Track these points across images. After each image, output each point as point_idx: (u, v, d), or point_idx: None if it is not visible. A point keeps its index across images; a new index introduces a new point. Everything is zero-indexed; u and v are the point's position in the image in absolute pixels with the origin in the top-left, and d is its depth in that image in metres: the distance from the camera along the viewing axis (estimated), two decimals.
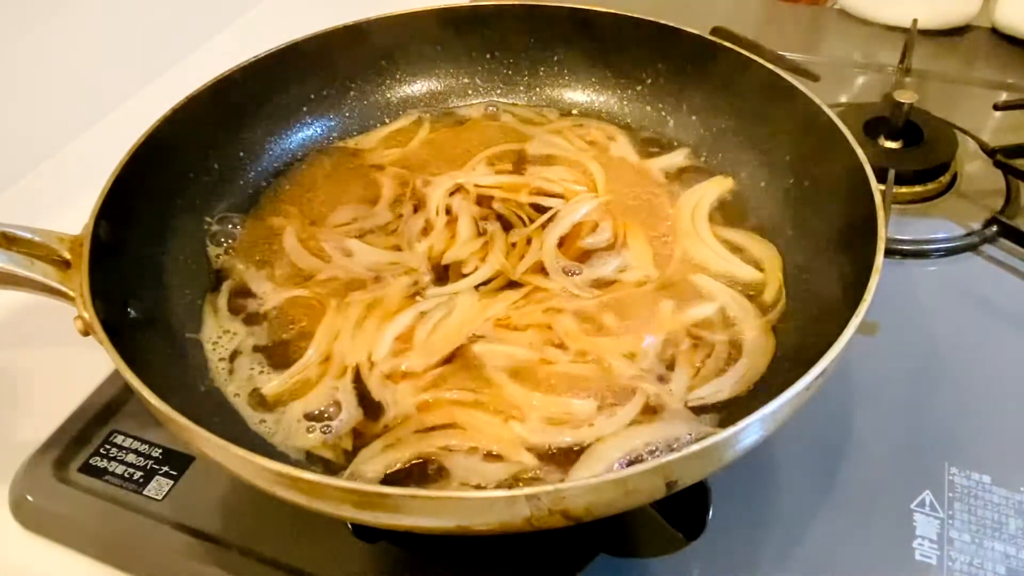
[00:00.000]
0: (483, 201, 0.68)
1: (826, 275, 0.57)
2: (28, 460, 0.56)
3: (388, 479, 0.49)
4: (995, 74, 0.94)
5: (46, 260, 0.51)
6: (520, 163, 0.72)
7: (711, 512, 0.51)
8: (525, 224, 0.66)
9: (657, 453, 0.49)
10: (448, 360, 0.55)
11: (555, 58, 0.78)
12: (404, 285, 0.61)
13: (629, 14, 0.74)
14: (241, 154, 0.70)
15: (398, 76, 0.78)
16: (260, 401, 0.54)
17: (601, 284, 0.61)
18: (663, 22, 0.72)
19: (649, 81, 0.76)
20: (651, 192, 0.69)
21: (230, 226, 0.66)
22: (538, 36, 0.78)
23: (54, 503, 0.54)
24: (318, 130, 0.75)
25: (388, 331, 0.57)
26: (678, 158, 0.72)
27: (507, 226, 0.66)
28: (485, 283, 0.61)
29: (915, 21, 0.97)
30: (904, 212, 0.74)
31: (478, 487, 0.48)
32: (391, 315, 0.58)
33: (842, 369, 0.60)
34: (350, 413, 0.52)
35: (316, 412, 0.53)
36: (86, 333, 0.48)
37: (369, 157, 0.74)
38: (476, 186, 0.69)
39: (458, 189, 0.69)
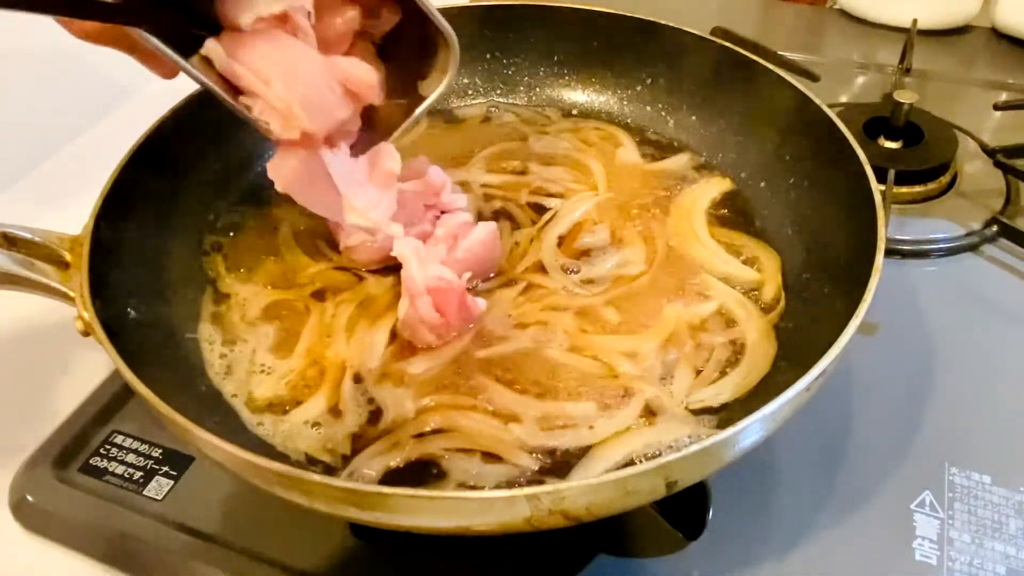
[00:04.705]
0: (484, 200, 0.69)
1: (826, 275, 0.57)
2: (28, 460, 0.56)
3: (387, 480, 0.49)
4: (995, 74, 0.94)
5: (46, 260, 0.51)
6: (521, 163, 0.72)
7: (711, 512, 0.51)
8: (528, 224, 0.66)
9: (657, 454, 0.49)
10: (447, 361, 0.55)
11: (555, 58, 0.78)
12: (394, 284, 0.60)
13: (629, 14, 0.74)
14: (242, 154, 0.69)
15: None
16: (257, 402, 0.53)
17: (599, 282, 0.61)
18: (663, 22, 0.73)
19: (649, 81, 0.76)
20: (650, 192, 0.69)
21: (230, 226, 0.66)
22: (538, 36, 0.78)
23: (54, 503, 0.54)
24: None
25: (382, 331, 0.57)
26: (677, 158, 0.72)
27: (514, 225, 0.66)
28: (484, 282, 0.61)
29: (915, 21, 0.97)
30: (904, 212, 0.74)
31: (477, 488, 0.48)
32: (383, 314, 0.58)
33: (842, 369, 0.60)
34: (349, 416, 0.52)
35: (315, 414, 0.52)
36: (86, 333, 0.48)
37: None
38: (481, 186, 0.69)
39: (462, 187, 0.69)
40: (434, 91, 0.55)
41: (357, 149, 0.55)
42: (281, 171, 0.51)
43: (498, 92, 0.80)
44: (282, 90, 0.48)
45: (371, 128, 0.56)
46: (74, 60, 0.85)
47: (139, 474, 0.56)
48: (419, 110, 0.56)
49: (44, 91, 0.84)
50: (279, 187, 0.51)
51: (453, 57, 0.55)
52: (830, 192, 0.60)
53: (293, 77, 0.48)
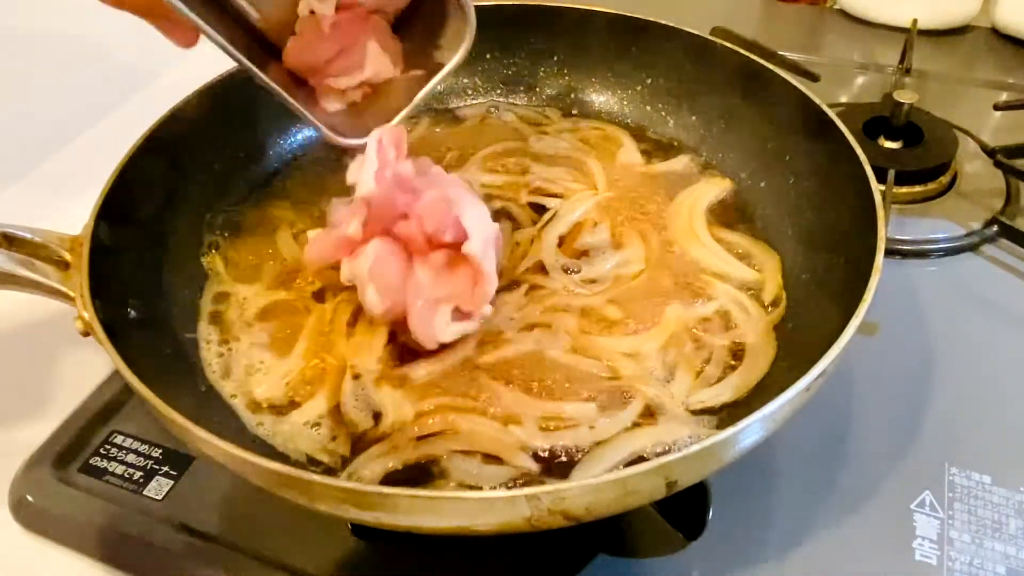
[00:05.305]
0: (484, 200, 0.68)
1: (826, 275, 0.57)
2: (28, 460, 0.56)
3: (387, 481, 0.49)
4: (995, 74, 0.94)
5: (46, 260, 0.51)
6: (521, 163, 0.72)
7: (711, 512, 0.51)
8: (528, 224, 0.66)
9: (657, 455, 0.49)
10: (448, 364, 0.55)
11: (555, 58, 0.78)
12: None
13: (629, 14, 0.74)
14: (241, 154, 0.69)
15: None
16: (256, 403, 0.53)
17: (600, 282, 0.61)
18: (663, 22, 0.72)
19: (649, 81, 0.76)
20: (650, 192, 0.69)
21: (230, 226, 0.66)
22: (538, 36, 0.78)
23: (54, 503, 0.54)
24: None
25: (382, 332, 0.57)
26: (677, 158, 0.72)
27: (514, 225, 0.66)
28: None
29: (915, 21, 0.97)
30: (904, 212, 0.74)
31: (477, 488, 0.48)
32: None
33: (842, 369, 0.60)
34: (349, 417, 0.52)
35: (315, 415, 0.52)
36: (86, 333, 0.48)
37: None
38: (481, 186, 0.69)
39: None
40: (452, 60, 0.55)
41: (371, 120, 0.56)
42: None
43: (498, 92, 0.80)
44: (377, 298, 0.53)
45: (388, 98, 0.56)
46: (75, 61, 0.85)
47: (139, 474, 0.56)
48: (437, 78, 0.56)
49: (45, 91, 0.84)
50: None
51: (470, 26, 0.55)
52: (830, 192, 0.60)
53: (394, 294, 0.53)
